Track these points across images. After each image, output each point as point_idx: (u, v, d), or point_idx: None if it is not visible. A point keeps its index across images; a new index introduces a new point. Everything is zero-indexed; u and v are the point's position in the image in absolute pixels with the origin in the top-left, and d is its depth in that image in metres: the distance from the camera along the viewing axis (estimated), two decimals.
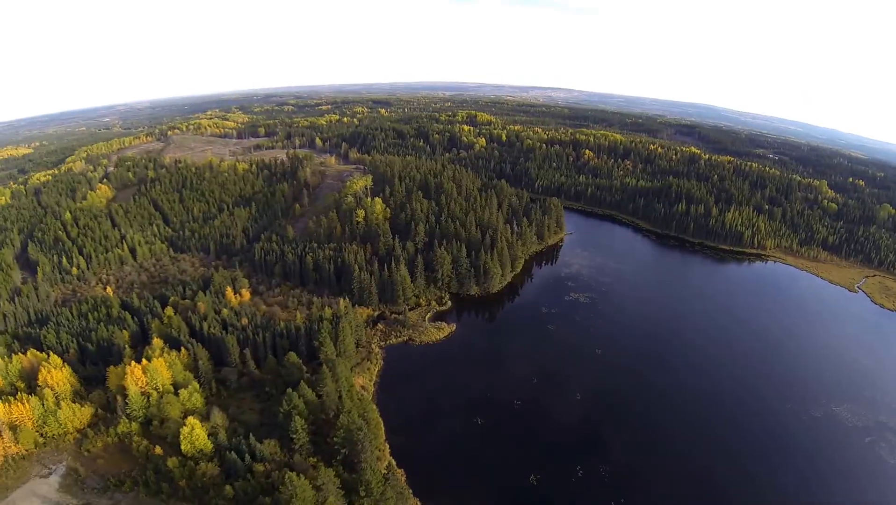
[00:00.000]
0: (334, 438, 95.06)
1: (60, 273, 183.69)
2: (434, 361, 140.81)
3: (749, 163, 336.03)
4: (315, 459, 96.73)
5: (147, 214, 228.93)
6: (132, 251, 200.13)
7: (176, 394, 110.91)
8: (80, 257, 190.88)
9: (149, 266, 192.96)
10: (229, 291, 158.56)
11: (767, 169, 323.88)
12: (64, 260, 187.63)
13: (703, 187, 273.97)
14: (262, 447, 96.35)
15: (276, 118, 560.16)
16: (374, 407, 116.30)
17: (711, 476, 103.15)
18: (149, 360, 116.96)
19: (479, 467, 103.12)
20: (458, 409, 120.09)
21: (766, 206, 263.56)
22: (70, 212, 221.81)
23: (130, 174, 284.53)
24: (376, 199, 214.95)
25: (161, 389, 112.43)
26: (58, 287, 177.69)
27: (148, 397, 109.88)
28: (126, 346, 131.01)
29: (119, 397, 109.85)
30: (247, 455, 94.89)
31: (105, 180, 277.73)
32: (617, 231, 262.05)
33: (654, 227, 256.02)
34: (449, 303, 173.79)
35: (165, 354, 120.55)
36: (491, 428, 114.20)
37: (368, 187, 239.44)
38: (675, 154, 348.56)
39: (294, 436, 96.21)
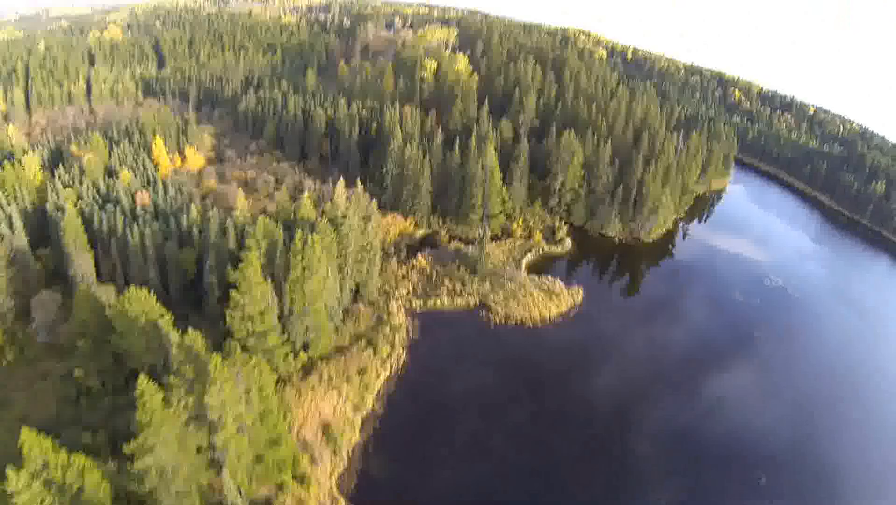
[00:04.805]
0: None
1: None
2: (539, 375, 51.57)
3: None
4: None
5: (140, 53, 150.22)
6: (89, 89, 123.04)
7: None
8: (19, 90, 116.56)
9: (100, 109, 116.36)
10: (158, 143, 75.86)
11: None
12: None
13: None
14: None
15: None
16: None
17: None
18: None
19: None
20: None
21: None
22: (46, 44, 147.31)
23: (157, 21, 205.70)
24: (459, 55, 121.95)
25: None
26: None
27: None
28: None
29: None
30: None
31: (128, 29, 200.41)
32: (791, 199, 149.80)
33: (841, 206, 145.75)
34: (568, 242, 80.00)
35: None
36: None
37: (451, 43, 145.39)
38: (844, 124, 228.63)
39: None
